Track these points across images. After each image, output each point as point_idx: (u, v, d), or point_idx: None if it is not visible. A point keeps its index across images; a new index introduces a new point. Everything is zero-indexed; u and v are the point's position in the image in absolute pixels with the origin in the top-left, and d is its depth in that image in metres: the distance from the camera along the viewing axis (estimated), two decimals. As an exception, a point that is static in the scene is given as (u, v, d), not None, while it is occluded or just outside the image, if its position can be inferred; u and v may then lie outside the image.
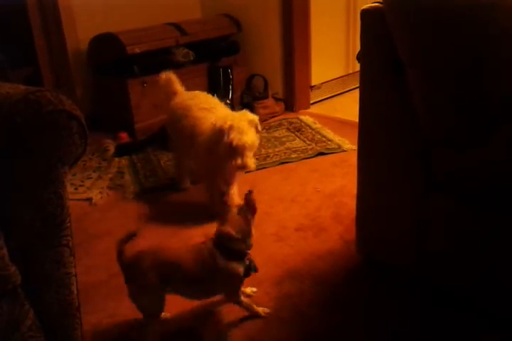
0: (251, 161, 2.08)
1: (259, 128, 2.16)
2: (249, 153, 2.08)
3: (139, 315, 1.50)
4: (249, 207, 1.52)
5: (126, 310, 1.63)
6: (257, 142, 2.12)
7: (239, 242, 1.50)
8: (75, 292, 1.32)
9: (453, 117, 1.39)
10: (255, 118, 2.14)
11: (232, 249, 1.50)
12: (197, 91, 2.49)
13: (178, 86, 2.52)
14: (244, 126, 2.06)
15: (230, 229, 1.49)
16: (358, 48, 1.60)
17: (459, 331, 1.51)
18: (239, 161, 2.06)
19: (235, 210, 1.52)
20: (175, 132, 2.45)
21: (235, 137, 2.03)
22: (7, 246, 1.12)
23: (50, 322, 1.28)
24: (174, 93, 2.50)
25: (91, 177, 2.70)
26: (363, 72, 1.60)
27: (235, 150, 2.04)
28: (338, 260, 1.87)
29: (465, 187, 1.42)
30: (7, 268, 1.11)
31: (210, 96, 2.47)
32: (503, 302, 1.45)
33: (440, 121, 1.41)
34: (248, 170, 2.10)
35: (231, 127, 2.04)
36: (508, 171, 1.32)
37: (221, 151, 2.08)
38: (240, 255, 1.52)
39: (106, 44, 3.16)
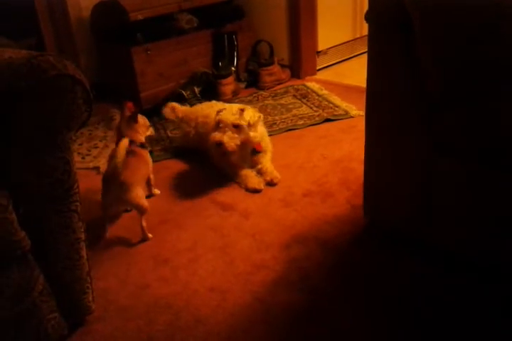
0: (228, 139, 2.08)
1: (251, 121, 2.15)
2: (230, 133, 2.09)
3: (146, 280, 1.51)
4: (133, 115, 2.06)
5: (136, 274, 1.67)
6: (246, 129, 2.13)
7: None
8: (85, 257, 1.33)
9: (461, 75, 1.37)
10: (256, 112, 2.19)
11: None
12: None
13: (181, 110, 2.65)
14: (236, 111, 2.13)
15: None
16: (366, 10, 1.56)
17: (465, 298, 1.51)
18: (216, 136, 2.08)
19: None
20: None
21: (223, 115, 2.11)
22: (16, 212, 1.13)
23: (61, 287, 1.30)
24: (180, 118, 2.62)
25: (97, 147, 2.70)
26: (371, 34, 1.57)
27: (217, 126, 2.11)
28: (345, 225, 1.88)
29: (469, 148, 1.41)
30: (16, 233, 1.12)
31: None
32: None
33: (448, 80, 1.40)
34: (224, 145, 2.09)
35: (223, 109, 2.15)
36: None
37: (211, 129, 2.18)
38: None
39: (108, 11, 3.09)
